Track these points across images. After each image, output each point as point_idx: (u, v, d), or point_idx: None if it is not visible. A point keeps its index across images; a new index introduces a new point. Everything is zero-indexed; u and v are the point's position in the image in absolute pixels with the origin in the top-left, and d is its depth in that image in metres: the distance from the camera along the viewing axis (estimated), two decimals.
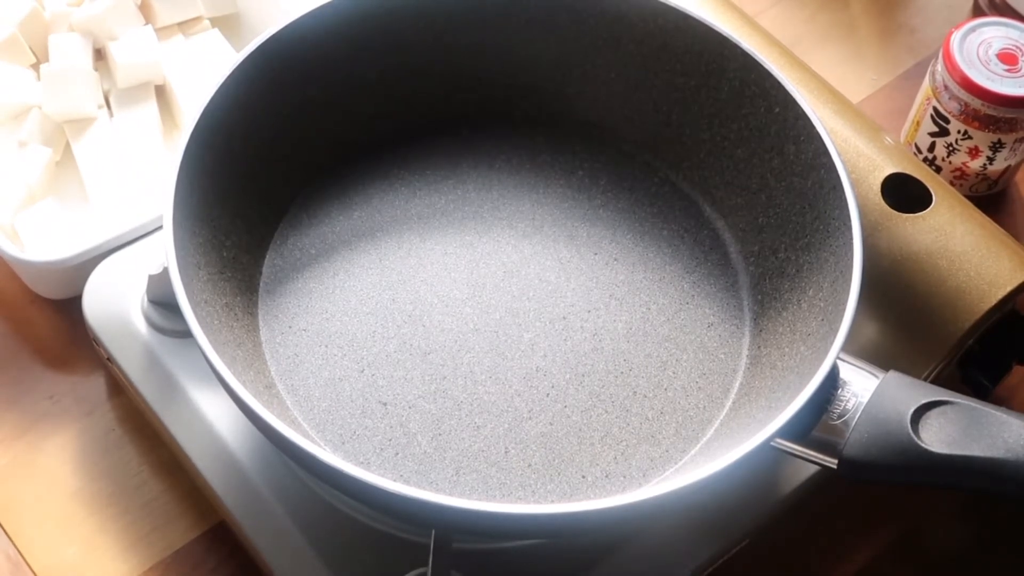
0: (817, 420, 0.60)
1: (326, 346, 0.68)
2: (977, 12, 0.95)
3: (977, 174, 0.83)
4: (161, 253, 0.62)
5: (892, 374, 0.61)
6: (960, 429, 0.58)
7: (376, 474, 0.55)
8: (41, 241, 0.73)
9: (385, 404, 0.66)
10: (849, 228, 0.63)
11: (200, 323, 0.58)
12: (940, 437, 0.58)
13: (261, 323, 0.68)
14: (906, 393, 0.60)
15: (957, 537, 0.74)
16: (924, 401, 0.59)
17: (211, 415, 0.67)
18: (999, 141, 0.81)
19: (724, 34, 0.70)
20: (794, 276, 0.68)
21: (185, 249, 0.62)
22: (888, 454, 0.58)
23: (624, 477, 0.65)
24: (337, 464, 0.55)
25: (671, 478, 0.64)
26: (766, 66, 0.68)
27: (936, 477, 0.59)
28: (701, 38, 0.71)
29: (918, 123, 0.84)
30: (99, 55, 0.81)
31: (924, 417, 0.58)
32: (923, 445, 0.58)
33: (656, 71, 0.73)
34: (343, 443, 0.65)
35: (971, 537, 0.74)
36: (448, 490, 0.63)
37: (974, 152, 0.82)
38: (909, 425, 0.58)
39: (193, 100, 0.78)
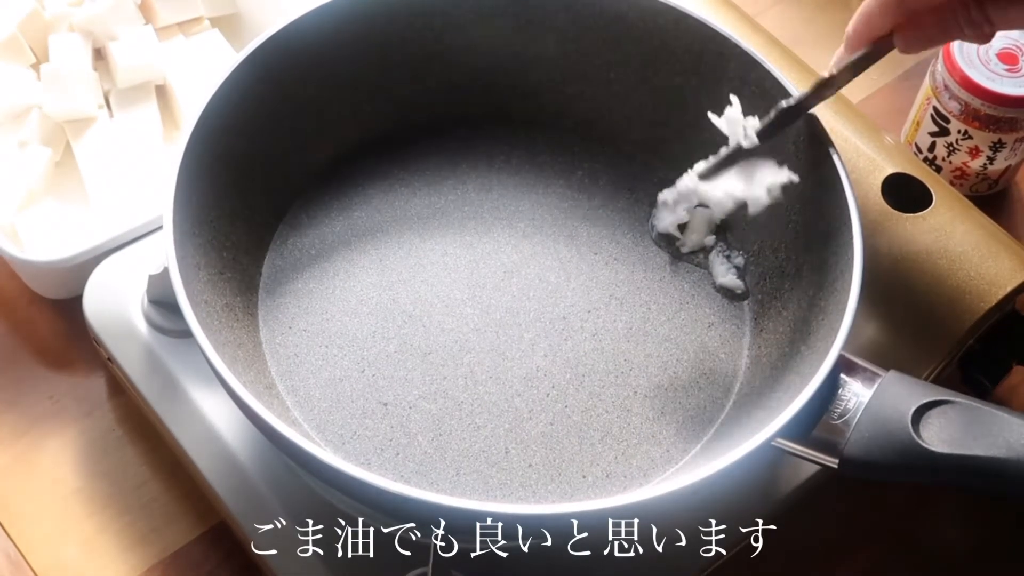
0: (818, 420, 0.60)
1: (326, 346, 0.68)
2: None
3: (977, 174, 0.83)
4: (161, 253, 0.62)
5: (893, 374, 0.61)
6: (961, 428, 0.58)
7: (376, 474, 0.55)
8: (41, 241, 0.73)
9: (385, 404, 0.66)
10: (849, 228, 0.63)
11: (200, 323, 0.58)
12: (941, 436, 0.58)
13: (261, 323, 0.68)
14: (907, 392, 0.59)
15: (957, 537, 0.74)
16: (925, 400, 0.59)
17: (211, 415, 0.67)
18: (999, 141, 0.81)
19: (724, 34, 0.70)
20: (794, 276, 0.68)
21: (185, 249, 0.62)
22: (889, 453, 0.58)
23: (625, 477, 0.65)
24: (337, 464, 0.55)
25: (672, 478, 0.64)
26: (766, 66, 0.68)
27: (937, 476, 0.59)
28: (701, 38, 0.71)
29: (918, 123, 0.84)
30: (99, 55, 0.81)
31: (925, 416, 0.58)
32: (924, 444, 0.58)
33: (656, 71, 0.73)
34: (343, 443, 0.65)
35: (971, 537, 0.73)
36: (449, 490, 0.63)
37: (974, 152, 0.82)
38: (910, 424, 0.58)
39: (193, 100, 0.78)
